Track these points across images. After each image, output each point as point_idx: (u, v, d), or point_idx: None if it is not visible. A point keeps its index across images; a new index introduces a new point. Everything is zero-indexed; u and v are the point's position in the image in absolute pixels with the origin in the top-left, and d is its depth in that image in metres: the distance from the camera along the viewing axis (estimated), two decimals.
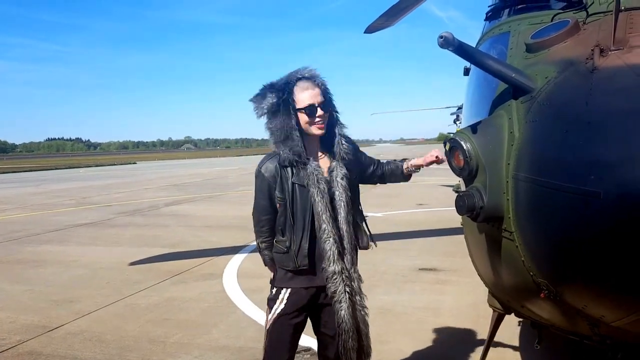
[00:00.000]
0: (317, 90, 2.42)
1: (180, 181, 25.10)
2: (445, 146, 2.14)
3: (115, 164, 51.50)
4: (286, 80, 2.43)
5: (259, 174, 2.53)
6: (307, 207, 2.44)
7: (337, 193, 2.45)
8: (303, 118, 2.42)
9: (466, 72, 3.48)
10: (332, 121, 2.53)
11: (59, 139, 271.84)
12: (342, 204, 2.45)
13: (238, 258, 7.63)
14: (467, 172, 2.09)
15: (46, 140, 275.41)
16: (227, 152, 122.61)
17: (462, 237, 9.25)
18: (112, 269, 7.19)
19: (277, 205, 2.49)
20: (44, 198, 17.56)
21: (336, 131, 2.53)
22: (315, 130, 2.44)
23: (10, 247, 8.94)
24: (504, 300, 2.65)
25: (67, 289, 6.23)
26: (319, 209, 2.39)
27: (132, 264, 7.48)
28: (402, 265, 6.92)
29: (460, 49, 1.93)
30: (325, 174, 2.48)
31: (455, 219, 10.25)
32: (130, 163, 54.64)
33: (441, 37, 1.83)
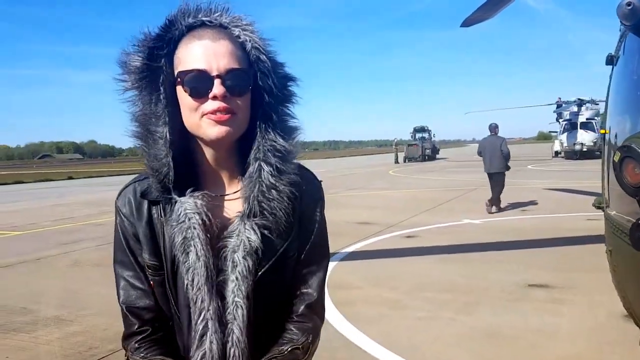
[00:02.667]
0: (224, 46, 1.12)
1: None
2: (613, 156, 1.59)
3: None
4: (170, 21, 1.14)
5: (116, 211, 1.30)
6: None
7: (229, 280, 1.16)
8: (183, 99, 1.14)
9: (610, 60, 2.87)
10: (260, 120, 1.17)
11: None
12: (238, 305, 1.15)
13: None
14: None
15: None
16: (313, 154, 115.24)
17: (574, 248, 8.35)
18: None
19: (150, 280, 1.25)
20: None
21: (260, 146, 1.17)
22: (207, 128, 1.12)
23: (111, 250, 9.22)
24: None
25: None
26: (194, 293, 1.15)
27: None
28: (508, 280, 6.27)
29: None
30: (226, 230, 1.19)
31: (564, 228, 9.42)
32: None
33: (629, 4, 1.33)
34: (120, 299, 1.27)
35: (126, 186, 1.28)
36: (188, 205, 1.15)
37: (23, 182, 32.94)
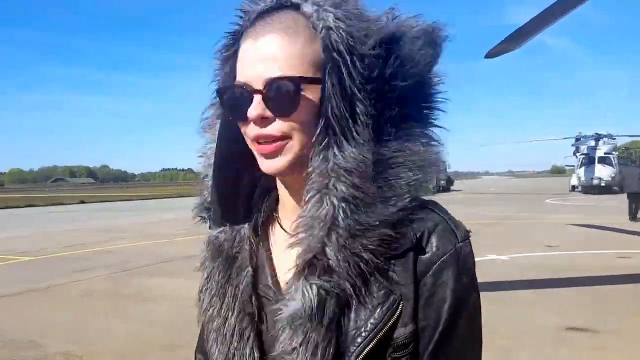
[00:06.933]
0: (278, 43, 0.74)
1: None
2: None
3: None
4: (242, 11, 0.81)
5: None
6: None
7: None
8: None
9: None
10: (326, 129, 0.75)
11: (172, 169, 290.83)
12: None
13: None
14: None
15: (161, 170, 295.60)
16: None
17: (609, 289, 7.85)
18: None
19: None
20: (156, 227, 18.09)
21: (330, 182, 0.73)
22: (259, 159, 0.78)
23: (120, 279, 8.94)
24: None
25: (173, 330, 5.86)
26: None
27: None
28: (545, 323, 5.85)
29: None
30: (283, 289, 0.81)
31: (596, 267, 8.97)
32: None
33: None
34: None
35: None
36: (212, 243, 0.89)
37: (35, 206, 32.95)
